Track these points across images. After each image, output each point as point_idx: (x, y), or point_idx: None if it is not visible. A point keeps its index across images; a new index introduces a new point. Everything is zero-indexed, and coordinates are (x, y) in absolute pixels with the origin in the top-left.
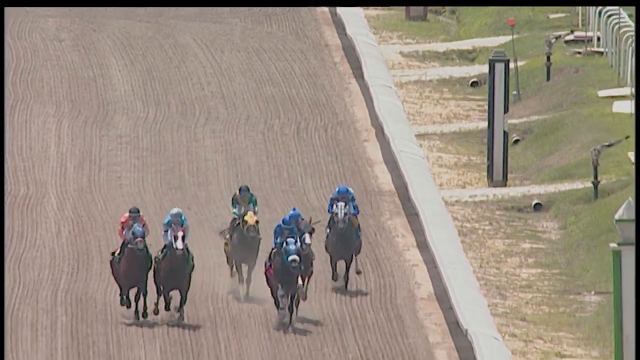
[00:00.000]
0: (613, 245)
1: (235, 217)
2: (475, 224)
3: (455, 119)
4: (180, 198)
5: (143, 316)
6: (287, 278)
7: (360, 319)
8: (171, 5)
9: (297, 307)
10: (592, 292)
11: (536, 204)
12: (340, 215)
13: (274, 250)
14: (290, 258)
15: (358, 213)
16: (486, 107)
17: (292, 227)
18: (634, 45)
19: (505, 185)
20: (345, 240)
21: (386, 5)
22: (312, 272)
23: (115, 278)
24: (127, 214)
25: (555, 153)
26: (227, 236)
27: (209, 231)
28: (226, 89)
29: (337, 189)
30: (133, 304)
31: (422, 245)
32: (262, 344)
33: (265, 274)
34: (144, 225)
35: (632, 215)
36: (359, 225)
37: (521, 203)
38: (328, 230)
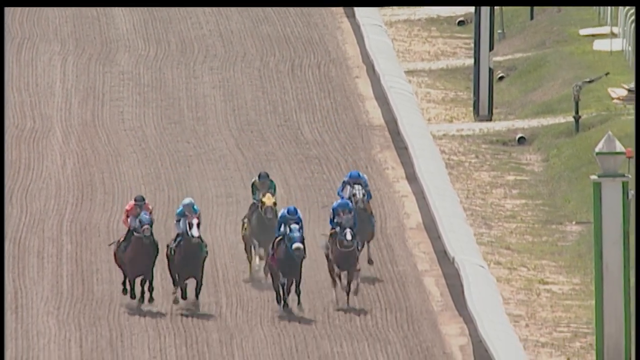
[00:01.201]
0: (593, 177)
1: (255, 202)
2: (462, 157)
3: (443, 56)
4: (180, 132)
5: (149, 301)
6: (290, 266)
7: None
8: (171, 5)
9: (299, 295)
10: (574, 222)
11: (520, 138)
12: (359, 195)
13: (277, 239)
14: (294, 246)
15: (371, 198)
16: (472, 45)
17: (297, 216)
18: None
19: (490, 120)
20: (361, 223)
21: (389, 5)
22: (359, 269)
23: (120, 266)
24: (132, 202)
25: (538, 89)
26: (245, 220)
27: (207, 163)
28: (224, 27)
29: (349, 173)
30: (138, 292)
31: (411, 177)
32: (269, 331)
33: (268, 262)
34: (150, 213)
35: (612, 149)
36: (372, 212)
37: (506, 137)
38: (331, 210)
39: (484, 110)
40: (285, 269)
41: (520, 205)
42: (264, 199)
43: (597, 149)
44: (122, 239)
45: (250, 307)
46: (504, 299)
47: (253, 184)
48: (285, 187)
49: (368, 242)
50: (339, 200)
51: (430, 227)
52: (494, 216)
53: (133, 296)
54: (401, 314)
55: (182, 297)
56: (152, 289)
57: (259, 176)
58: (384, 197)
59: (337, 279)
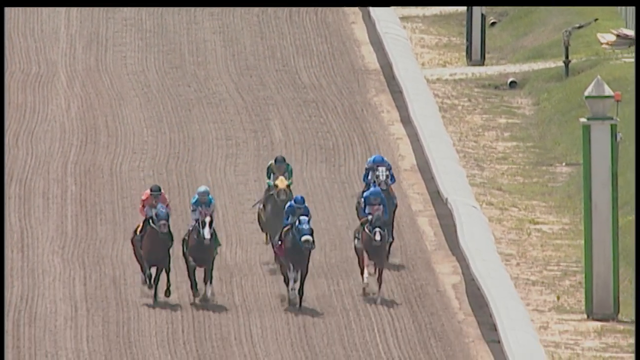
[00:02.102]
0: (583, 120)
1: (269, 186)
2: (455, 101)
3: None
4: (181, 76)
5: (166, 295)
6: (298, 257)
7: (348, 189)
8: (171, 5)
9: (302, 285)
10: (563, 164)
11: (511, 82)
12: (383, 177)
13: (285, 229)
14: (303, 239)
15: (394, 182)
16: None
17: (304, 206)
18: None
19: (482, 65)
20: (386, 205)
21: (394, 5)
22: (387, 259)
23: (136, 256)
24: (147, 192)
25: (529, 34)
26: (261, 206)
27: (207, 107)
28: None
29: (372, 158)
30: (153, 282)
31: (405, 120)
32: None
33: (275, 252)
34: (167, 205)
35: (601, 92)
36: (394, 194)
37: (497, 81)
38: (363, 199)
39: (476, 55)
40: (293, 260)
41: (511, 148)
42: (277, 182)
43: (586, 93)
44: (139, 228)
45: (249, 249)
46: (495, 238)
47: (269, 167)
48: (284, 130)
49: (392, 229)
50: (371, 189)
51: (424, 168)
52: (486, 158)
53: (150, 285)
54: (395, 253)
55: (192, 288)
56: (169, 283)
57: (276, 160)
58: (379, 139)
59: (365, 267)
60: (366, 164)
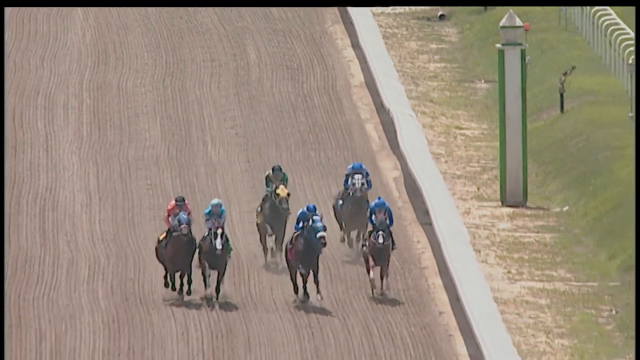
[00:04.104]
0: (498, 45)
1: (268, 193)
2: (395, 30)
3: None
4: (175, 10)
5: (187, 294)
6: (309, 257)
7: (309, 101)
8: (171, 5)
9: (318, 284)
10: (482, 81)
11: (441, 15)
12: (358, 185)
13: (295, 234)
14: (319, 234)
15: (370, 188)
16: None
17: (316, 213)
18: None
19: None
20: (361, 209)
21: (386, 5)
22: (389, 262)
23: (161, 262)
24: (173, 202)
25: None
26: (259, 209)
27: (196, 35)
28: None
29: (351, 165)
30: (177, 285)
31: (356, 45)
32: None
33: (286, 257)
34: (189, 213)
35: (513, 23)
36: (367, 200)
37: (429, 14)
38: (341, 202)
39: None
40: (304, 261)
41: (440, 68)
42: (278, 191)
43: (501, 24)
44: (163, 236)
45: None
46: (428, 141)
47: (267, 177)
48: (257, 53)
49: (366, 227)
50: (376, 200)
51: (371, 84)
52: (420, 76)
53: (174, 288)
54: (347, 152)
55: (205, 288)
56: (191, 282)
57: (273, 169)
58: (335, 61)
59: (371, 270)
60: (346, 171)
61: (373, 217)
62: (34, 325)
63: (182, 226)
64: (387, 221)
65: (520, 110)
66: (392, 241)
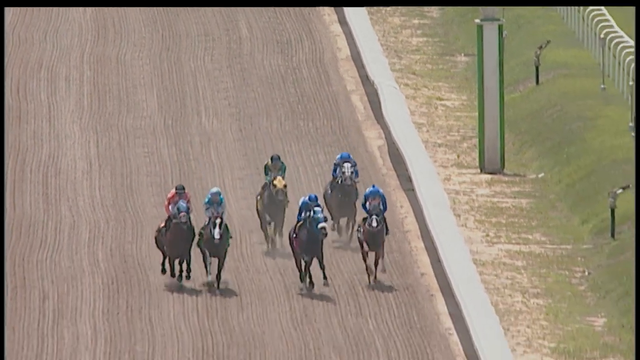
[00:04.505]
0: (477, 21)
1: (267, 182)
2: (381, 7)
3: None
4: None
5: (187, 278)
6: (313, 246)
7: (298, 74)
8: (171, 5)
9: (324, 269)
10: (462, 54)
11: None
12: (348, 173)
13: (298, 224)
14: (320, 225)
15: (357, 177)
16: None
17: (317, 203)
18: None
19: None
20: (350, 197)
21: (386, 5)
22: (384, 247)
23: (160, 249)
24: (173, 190)
25: None
26: (258, 197)
27: (190, 10)
28: None
29: (339, 155)
30: (177, 272)
31: (342, 21)
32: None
33: (291, 245)
34: (188, 201)
35: None
36: (357, 189)
37: None
38: (330, 191)
39: None
40: (308, 249)
41: (422, 42)
42: (275, 182)
43: None
44: (162, 224)
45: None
46: (410, 111)
47: (266, 166)
48: (249, 28)
49: (354, 215)
50: (370, 188)
51: (356, 58)
52: (404, 50)
53: (173, 275)
54: (334, 122)
55: (207, 275)
56: (190, 270)
57: (272, 159)
58: (322, 36)
59: (366, 256)
60: (335, 161)
61: (367, 203)
62: (37, 286)
63: (181, 214)
64: (381, 206)
65: (498, 82)
66: (386, 227)
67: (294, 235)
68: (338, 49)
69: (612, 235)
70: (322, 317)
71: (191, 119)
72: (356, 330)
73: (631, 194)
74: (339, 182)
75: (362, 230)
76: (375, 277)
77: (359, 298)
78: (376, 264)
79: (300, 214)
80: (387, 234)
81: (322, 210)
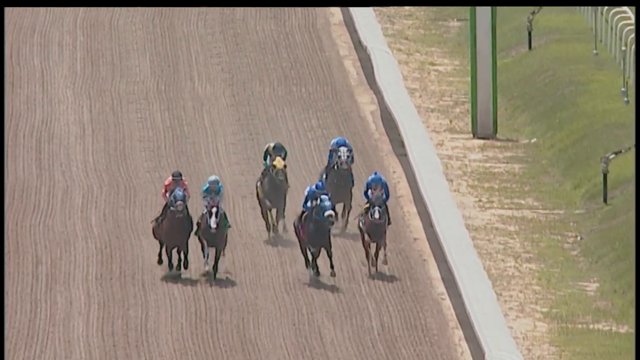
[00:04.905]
0: None
1: (266, 167)
2: None
3: None
4: None
5: (184, 267)
6: (319, 235)
7: (291, 39)
8: (171, 5)
9: (331, 258)
10: (455, 19)
11: None
12: (344, 157)
13: (304, 214)
14: (326, 213)
15: (353, 162)
16: None
17: (324, 191)
18: None
19: None
20: (346, 182)
21: (388, 5)
22: (386, 238)
23: (157, 239)
24: (170, 178)
25: None
26: (259, 183)
27: None
28: None
29: (335, 140)
30: (175, 262)
31: None
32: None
33: (297, 235)
34: (185, 189)
35: None
36: (352, 173)
37: None
38: (325, 176)
39: None
40: (315, 239)
41: (415, 7)
42: (275, 163)
43: None
44: (159, 213)
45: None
46: (403, 76)
47: (266, 151)
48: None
49: (350, 200)
50: (372, 175)
51: (349, 23)
52: (396, 15)
53: (170, 266)
54: (327, 87)
55: (205, 265)
56: (187, 261)
57: (275, 147)
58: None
59: (368, 248)
60: (330, 146)
61: (369, 192)
62: (30, 251)
63: (178, 203)
64: (384, 196)
65: (490, 48)
66: (388, 217)
67: (300, 225)
68: (331, 14)
69: (605, 200)
70: (315, 282)
71: (184, 84)
72: (349, 295)
73: (624, 158)
74: (335, 167)
75: (363, 220)
76: (377, 268)
77: (352, 263)
78: (376, 255)
79: (306, 202)
80: (389, 224)
81: (330, 198)
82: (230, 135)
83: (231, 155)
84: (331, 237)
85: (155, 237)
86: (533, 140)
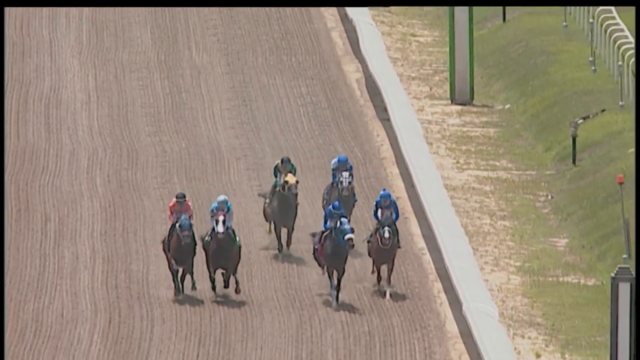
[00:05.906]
0: None
1: (276, 184)
2: None
3: None
4: None
5: (193, 288)
6: (338, 259)
7: (282, 12)
8: (171, 5)
9: (338, 292)
10: None
11: None
12: (345, 184)
13: (324, 234)
14: (347, 237)
15: (352, 179)
16: None
17: (341, 211)
18: None
19: None
20: (348, 205)
21: (387, 5)
22: (394, 260)
23: (166, 256)
24: (174, 199)
25: None
26: (267, 200)
27: None
28: None
29: (337, 158)
30: (179, 281)
31: None
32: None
33: (315, 255)
34: (190, 216)
35: None
36: (354, 193)
37: None
38: (328, 197)
39: None
40: (332, 261)
41: None
42: (287, 178)
43: None
44: (167, 234)
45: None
46: (386, 47)
47: (276, 167)
48: None
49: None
50: (381, 192)
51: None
52: None
53: (178, 291)
54: (316, 57)
55: (212, 289)
56: (194, 281)
57: (282, 161)
58: None
59: (375, 269)
60: (332, 165)
61: (379, 212)
62: (40, 209)
63: (184, 234)
64: (393, 216)
65: (467, 20)
66: (397, 239)
67: (319, 246)
68: None
69: (574, 162)
70: (298, 239)
71: (182, 54)
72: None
73: (591, 123)
74: (338, 192)
75: (372, 241)
76: (385, 289)
77: None
78: (389, 278)
79: (325, 222)
80: (398, 247)
81: (349, 221)
82: (225, 101)
83: (226, 120)
84: (347, 261)
85: (165, 255)
86: (507, 106)
